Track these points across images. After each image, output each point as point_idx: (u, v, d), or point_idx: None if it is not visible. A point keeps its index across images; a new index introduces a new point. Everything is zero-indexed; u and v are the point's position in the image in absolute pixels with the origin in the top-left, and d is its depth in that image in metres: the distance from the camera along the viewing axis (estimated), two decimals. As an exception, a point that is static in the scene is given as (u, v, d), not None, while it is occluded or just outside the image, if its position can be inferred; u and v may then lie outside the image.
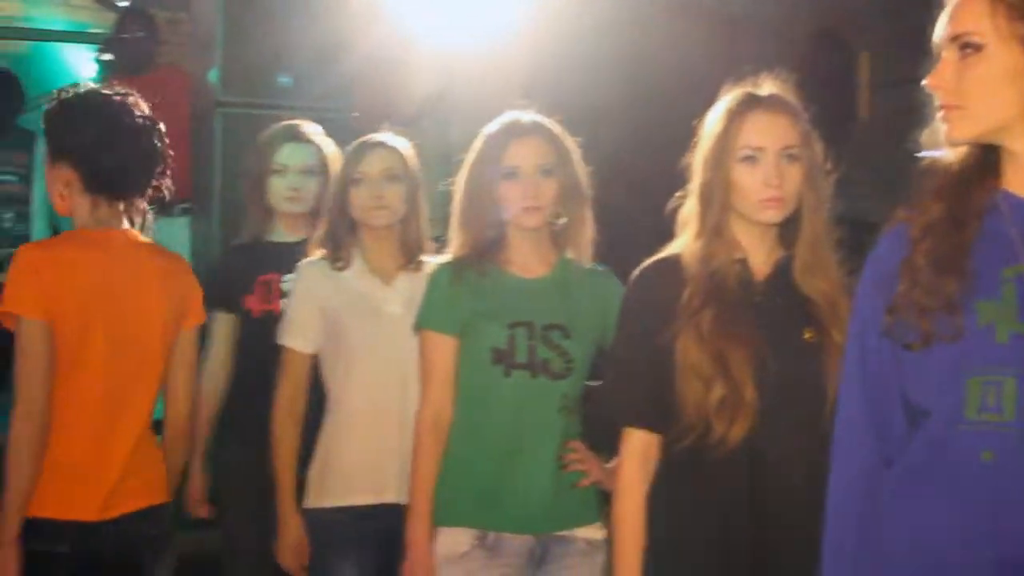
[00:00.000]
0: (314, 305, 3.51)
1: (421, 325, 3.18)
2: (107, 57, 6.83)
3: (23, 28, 8.64)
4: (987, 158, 2.12)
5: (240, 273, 3.93)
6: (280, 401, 3.54)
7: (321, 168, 3.96)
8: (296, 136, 4.00)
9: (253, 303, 3.90)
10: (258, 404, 3.64)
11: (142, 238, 3.21)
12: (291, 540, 3.52)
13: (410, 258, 3.54)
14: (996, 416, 2.01)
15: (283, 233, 3.99)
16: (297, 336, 3.53)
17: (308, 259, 3.61)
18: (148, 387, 3.13)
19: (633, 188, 5.49)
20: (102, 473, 3.03)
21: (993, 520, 2.00)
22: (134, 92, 3.28)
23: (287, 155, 3.96)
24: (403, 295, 3.48)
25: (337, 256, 3.55)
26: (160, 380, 3.16)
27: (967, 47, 2.04)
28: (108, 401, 3.05)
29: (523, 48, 6.40)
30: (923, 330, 2.06)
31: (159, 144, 3.20)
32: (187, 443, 3.37)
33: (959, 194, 2.11)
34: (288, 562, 3.54)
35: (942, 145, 2.14)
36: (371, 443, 3.45)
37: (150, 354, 3.13)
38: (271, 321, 3.71)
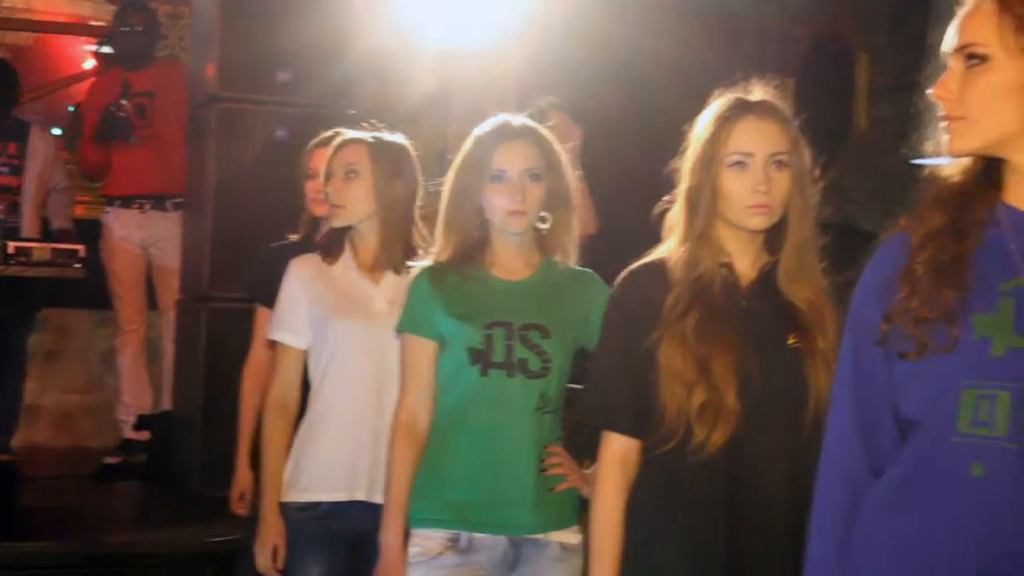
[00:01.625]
0: (303, 300, 3.52)
1: (401, 328, 3.19)
2: (106, 50, 6.83)
3: (25, 19, 8.64)
4: (988, 170, 2.12)
5: None
6: (272, 397, 3.55)
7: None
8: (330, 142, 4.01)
9: None
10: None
11: None
12: (270, 540, 3.51)
13: (393, 257, 3.52)
14: (988, 430, 1.99)
15: None
16: (288, 331, 3.53)
17: (301, 256, 3.61)
18: None
19: (628, 191, 5.50)
20: None
21: (980, 534, 1.99)
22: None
23: (319, 160, 3.95)
24: (388, 293, 3.48)
25: (328, 251, 3.56)
26: None
27: (973, 58, 2.03)
28: None
29: (521, 48, 6.41)
30: (919, 340, 2.05)
31: None
32: None
33: (960, 205, 2.10)
34: (265, 564, 3.52)
35: (943, 155, 2.13)
36: (346, 440, 3.44)
37: None
38: None
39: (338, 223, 3.55)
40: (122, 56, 6.66)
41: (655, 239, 2.81)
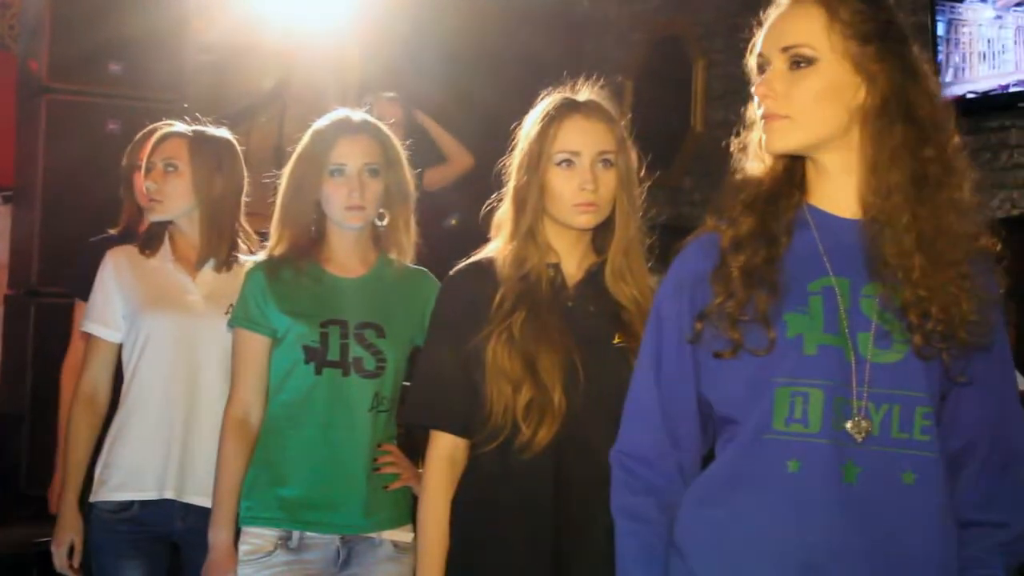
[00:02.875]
0: (116, 292, 3.44)
1: (234, 323, 3.14)
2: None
3: None
4: (794, 173, 2.16)
5: None
6: (80, 390, 3.46)
7: None
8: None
9: None
10: None
11: None
12: (66, 538, 3.43)
13: (214, 250, 3.46)
14: (802, 427, 2.03)
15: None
16: (100, 323, 3.45)
17: (117, 247, 3.54)
18: None
19: (458, 188, 5.51)
20: None
21: (798, 529, 2.02)
22: None
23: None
24: (205, 288, 3.43)
25: (146, 244, 3.49)
26: None
27: (799, 60, 2.06)
28: None
29: (362, 44, 6.37)
30: (734, 341, 2.07)
31: None
32: None
33: (769, 209, 2.13)
34: (61, 563, 3.45)
35: (752, 156, 2.16)
36: (157, 436, 3.37)
37: None
38: None
39: (155, 217, 3.48)
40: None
41: (483, 237, 2.82)
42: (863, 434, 2.01)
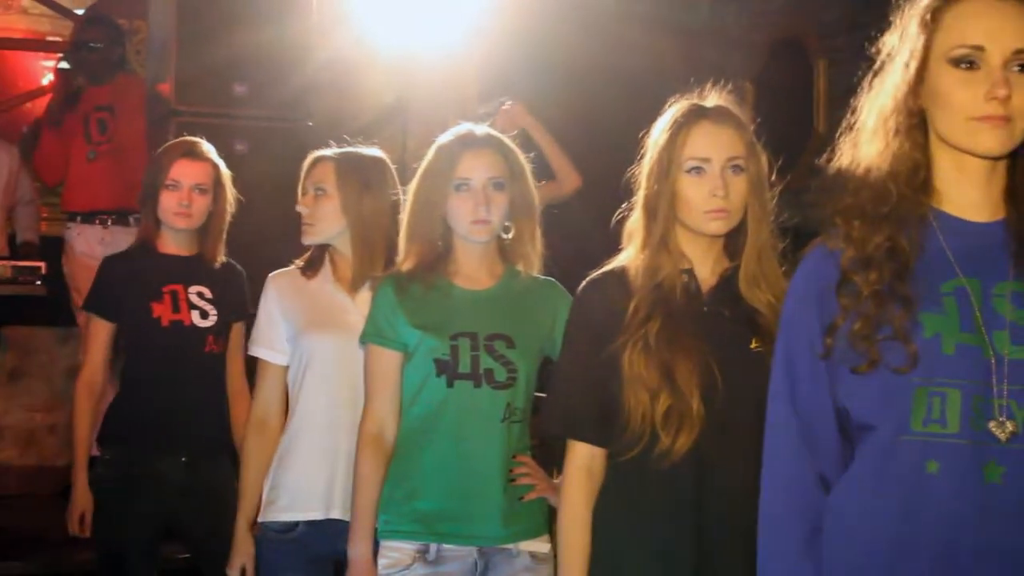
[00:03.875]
0: (279, 315, 3.50)
1: (365, 339, 3.17)
2: (65, 66, 6.79)
3: (-19, 36, 8.60)
4: (918, 174, 2.12)
5: (137, 282, 3.94)
6: (253, 414, 3.53)
7: (214, 186, 3.98)
8: (190, 152, 3.98)
9: (161, 311, 3.91)
10: (169, 413, 3.79)
11: None
12: (239, 561, 3.51)
13: (373, 271, 3.48)
14: (940, 427, 2.01)
15: (172, 246, 4.00)
16: (266, 347, 3.51)
17: (278, 270, 3.59)
18: None
19: (589, 199, 5.50)
20: None
21: (938, 531, 2.01)
22: None
23: (180, 171, 3.94)
24: (366, 308, 3.44)
25: (307, 265, 3.54)
26: None
27: None
28: None
29: (480, 58, 6.40)
30: (872, 358, 2.06)
31: None
32: None
33: (898, 224, 2.10)
34: None
35: (985, 152, 2.09)
36: (323, 456, 3.41)
37: None
38: (181, 331, 3.86)
39: (308, 240, 3.52)
40: (84, 72, 6.63)
41: (614, 246, 2.81)
42: (1007, 433, 1.99)
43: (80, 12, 7.85)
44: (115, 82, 6.65)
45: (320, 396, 3.43)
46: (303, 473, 3.42)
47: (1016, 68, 2.03)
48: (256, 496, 3.49)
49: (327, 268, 3.54)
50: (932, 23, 2.09)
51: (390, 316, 3.11)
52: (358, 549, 3.09)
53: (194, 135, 4.14)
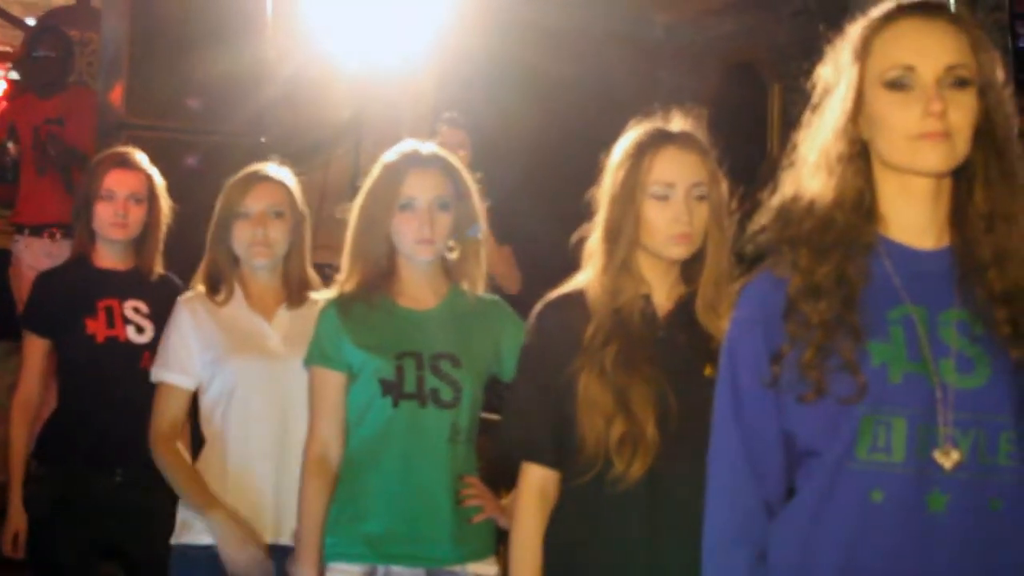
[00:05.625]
0: (194, 340, 3.43)
1: (309, 362, 3.14)
2: (15, 76, 6.74)
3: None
4: (863, 200, 2.11)
5: (71, 297, 3.87)
6: (157, 437, 3.42)
7: (149, 196, 3.93)
8: (124, 162, 3.94)
9: (96, 327, 3.84)
10: (104, 430, 3.72)
11: None
12: None
13: (291, 293, 3.49)
14: (886, 456, 2.01)
15: (108, 260, 3.93)
16: (177, 372, 3.44)
17: (187, 293, 3.54)
18: None
19: (540, 217, 5.49)
20: None
21: (882, 559, 2.01)
22: None
23: (114, 181, 3.88)
24: (282, 330, 3.44)
25: (217, 290, 3.48)
26: None
27: (963, 80, 2.04)
28: None
29: (434, 74, 6.40)
30: (819, 387, 2.05)
31: None
32: None
33: (845, 252, 2.09)
34: None
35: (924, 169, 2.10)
36: (246, 483, 3.36)
37: None
38: (116, 347, 3.78)
39: (262, 262, 3.47)
40: (34, 82, 6.57)
41: (569, 265, 2.80)
42: (952, 462, 1.98)
43: (32, 22, 7.79)
44: (66, 94, 6.59)
45: (242, 421, 3.38)
46: (226, 498, 3.35)
47: (950, 84, 2.03)
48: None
49: (239, 292, 3.49)
50: (863, 51, 2.09)
51: (334, 337, 3.09)
52: (305, 573, 3.05)
53: (145, 149, 4.10)
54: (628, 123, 2.77)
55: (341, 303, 3.11)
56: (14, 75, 6.76)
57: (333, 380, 3.10)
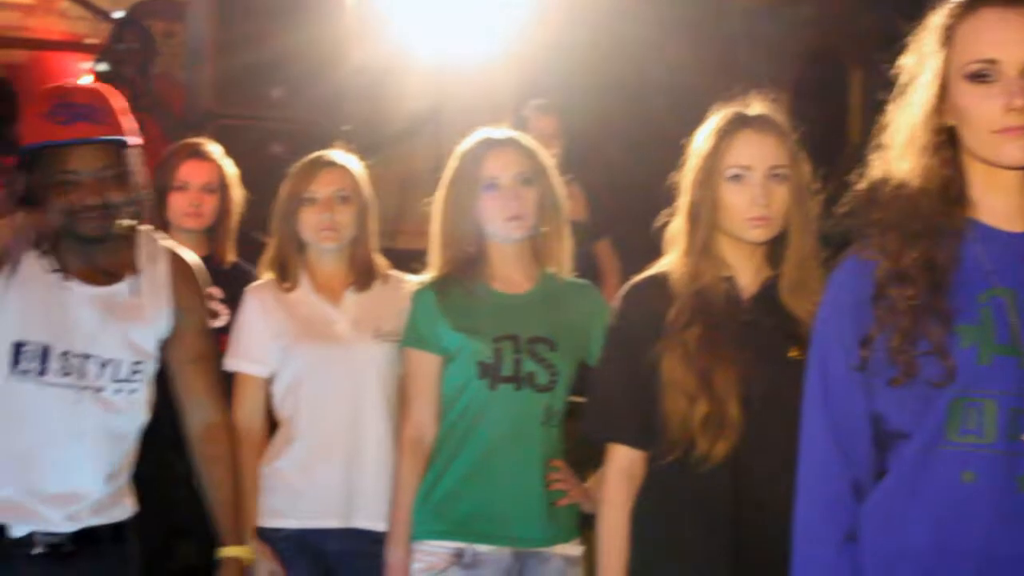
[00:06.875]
0: (264, 328, 3.44)
1: (405, 344, 3.18)
2: (102, 67, 6.84)
3: (21, 37, 8.64)
4: (952, 185, 2.12)
5: None
6: (238, 427, 3.38)
7: (221, 186, 3.98)
8: (197, 153, 3.99)
9: None
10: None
11: None
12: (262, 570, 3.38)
13: (358, 277, 3.49)
14: (977, 438, 2.02)
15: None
16: (249, 360, 3.45)
17: (256, 282, 3.55)
18: None
19: (625, 204, 5.50)
20: None
21: (973, 540, 2.01)
22: None
23: (188, 172, 3.94)
24: (350, 315, 3.45)
25: (285, 277, 3.49)
26: None
27: None
28: None
29: (515, 63, 6.42)
30: (908, 371, 2.06)
31: None
32: None
33: (933, 238, 2.09)
34: None
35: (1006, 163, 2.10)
36: (314, 466, 3.38)
37: None
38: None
39: (330, 246, 3.47)
40: (118, 73, 6.66)
41: (654, 251, 2.83)
42: None
43: (117, 15, 7.90)
44: (151, 84, 6.68)
45: (313, 406, 3.39)
46: (295, 481, 3.37)
47: None
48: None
49: (306, 278, 3.49)
50: (946, 40, 2.09)
51: (430, 321, 3.13)
52: (396, 552, 3.11)
53: (232, 138, 4.16)
54: (708, 112, 2.78)
55: (436, 287, 3.15)
56: (102, 67, 6.85)
57: (429, 362, 3.14)
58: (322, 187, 3.46)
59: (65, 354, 2.91)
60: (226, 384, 3.43)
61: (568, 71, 6.45)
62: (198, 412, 3.17)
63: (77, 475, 2.93)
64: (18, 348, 2.90)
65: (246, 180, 5.61)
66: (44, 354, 2.91)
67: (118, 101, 3.01)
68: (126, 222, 3.00)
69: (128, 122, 3.01)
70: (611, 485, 2.75)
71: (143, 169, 3.19)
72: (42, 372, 2.91)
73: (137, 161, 3.02)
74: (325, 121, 5.65)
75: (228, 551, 3.18)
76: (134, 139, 3.02)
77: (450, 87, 6.46)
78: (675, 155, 2.79)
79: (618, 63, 6.57)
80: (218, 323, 3.85)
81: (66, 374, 2.91)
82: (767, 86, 2.82)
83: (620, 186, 5.45)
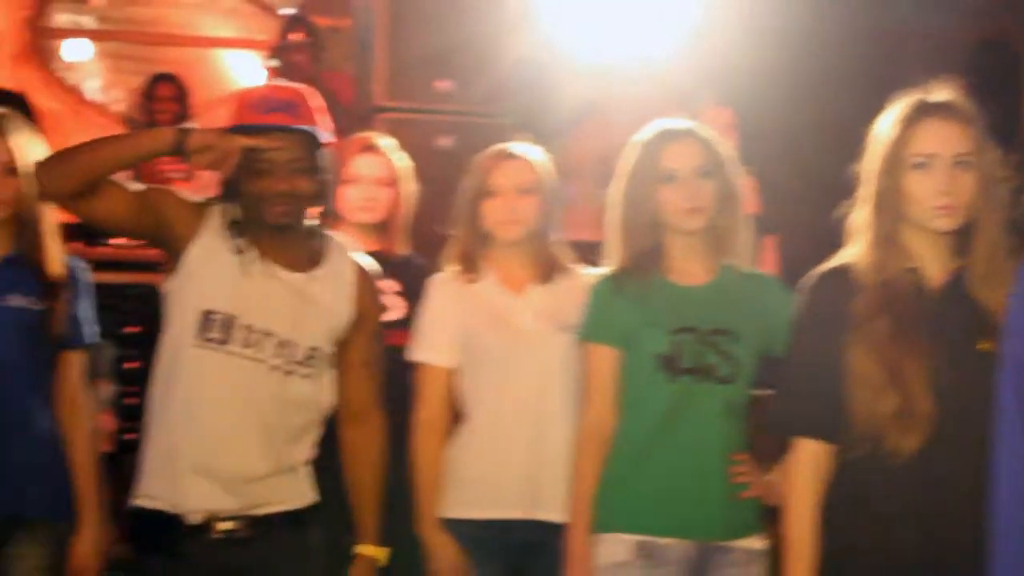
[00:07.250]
0: (449, 319, 3.46)
1: (583, 337, 3.19)
2: (272, 64, 6.98)
3: (191, 36, 8.86)
4: None
5: None
6: (421, 418, 3.44)
7: (392, 180, 4.00)
8: (370, 147, 4.03)
9: None
10: None
11: None
12: (445, 563, 3.40)
13: (541, 269, 3.48)
14: None
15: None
16: (435, 351, 3.47)
17: (439, 273, 3.57)
18: None
19: (806, 195, 5.44)
20: None
21: None
22: None
23: (362, 166, 3.98)
24: (533, 306, 3.45)
25: (469, 269, 3.50)
26: None
27: None
28: None
29: (679, 54, 6.39)
30: None
31: None
32: None
33: None
34: None
35: None
36: (497, 458, 3.38)
37: None
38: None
39: (513, 237, 3.46)
40: (287, 69, 6.79)
41: (835, 242, 2.80)
42: None
43: (286, 12, 8.05)
44: (319, 79, 6.79)
45: (496, 397, 3.40)
46: (476, 473, 3.39)
47: None
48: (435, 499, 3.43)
49: (491, 271, 3.49)
50: None
51: (608, 313, 3.13)
52: (577, 545, 3.11)
53: (400, 131, 4.20)
54: (881, 100, 2.74)
55: (614, 279, 3.15)
56: (273, 63, 6.99)
57: (607, 355, 3.14)
58: (504, 179, 3.47)
59: (248, 327, 3.01)
60: (401, 375, 3.51)
61: (735, 65, 6.39)
62: (358, 415, 3.25)
63: (249, 451, 3.02)
64: (207, 316, 3.00)
65: (416, 172, 5.70)
66: (228, 324, 3.00)
67: (316, 100, 3.11)
68: (313, 214, 3.09)
69: (323, 121, 3.10)
70: (799, 479, 2.71)
71: (334, 168, 3.30)
72: (224, 342, 3.00)
73: (329, 159, 3.11)
74: (491, 113, 5.69)
75: (364, 549, 3.25)
76: (328, 136, 3.11)
77: (615, 76, 6.45)
78: (853, 144, 2.75)
79: (786, 55, 6.49)
80: (393, 316, 3.90)
81: (247, 346, 3.01)
82: (936, 77, 2.77)
83: (801, 175, 5.38)
